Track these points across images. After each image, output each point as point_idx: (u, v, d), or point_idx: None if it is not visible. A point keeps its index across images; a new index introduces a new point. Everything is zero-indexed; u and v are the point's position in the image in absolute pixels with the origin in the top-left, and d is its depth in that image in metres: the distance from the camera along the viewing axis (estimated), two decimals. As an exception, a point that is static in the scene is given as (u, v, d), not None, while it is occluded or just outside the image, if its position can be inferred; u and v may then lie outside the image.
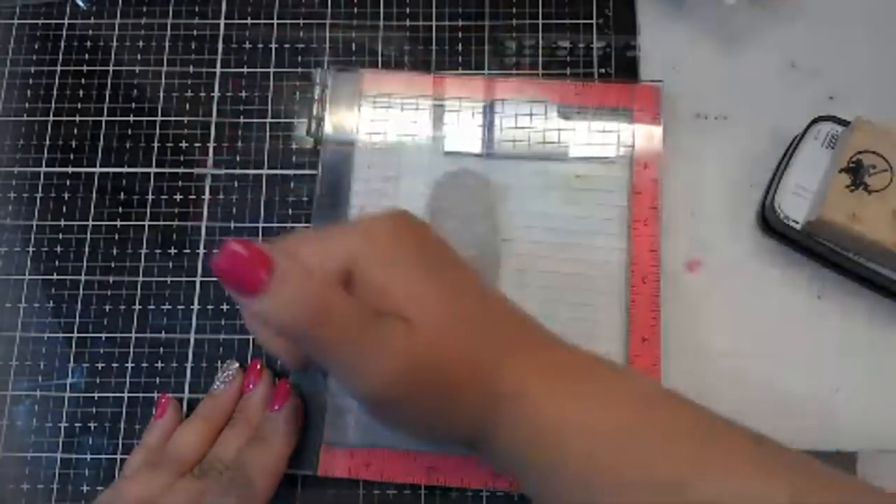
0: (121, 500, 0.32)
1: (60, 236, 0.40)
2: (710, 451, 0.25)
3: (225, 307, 0.38)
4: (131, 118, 0.41)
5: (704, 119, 0.40)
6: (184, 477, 0.33)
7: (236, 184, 0.40)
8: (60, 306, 0.39)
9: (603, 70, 0.40)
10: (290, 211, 0.39)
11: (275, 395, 0.35)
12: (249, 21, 0.42)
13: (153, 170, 0.40)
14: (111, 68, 0.42)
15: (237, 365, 0.37)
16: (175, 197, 0.40)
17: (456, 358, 0.25)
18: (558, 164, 0.38)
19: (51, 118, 0.41)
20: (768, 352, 0.37)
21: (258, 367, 0.36)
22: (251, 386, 0.36)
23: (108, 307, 0.39)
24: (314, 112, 0.39)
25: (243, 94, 0.41)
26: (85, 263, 0.39)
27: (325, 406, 0.36)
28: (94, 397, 0.38)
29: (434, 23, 0.42)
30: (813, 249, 0.36)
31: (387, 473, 0.35)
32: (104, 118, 0.41)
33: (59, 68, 0.42)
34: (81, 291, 0.39)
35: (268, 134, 0.41)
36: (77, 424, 0.37)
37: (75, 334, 0.38)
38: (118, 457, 0.37)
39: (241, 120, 0.41)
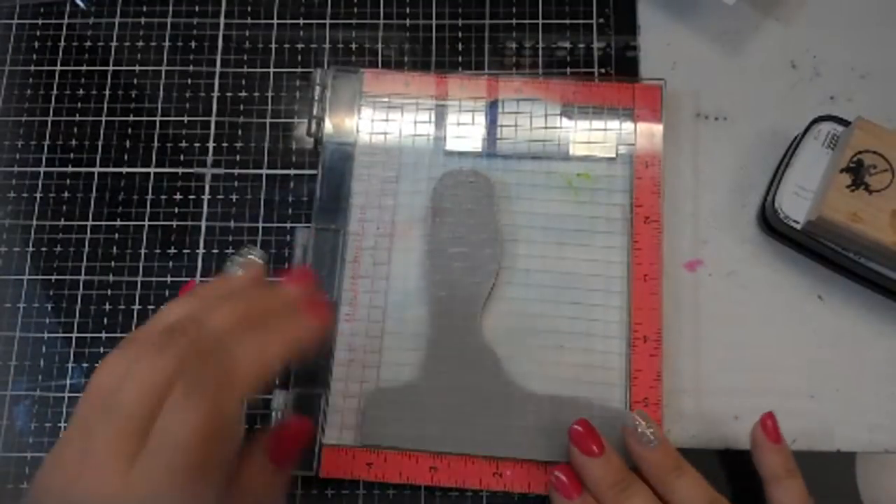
0: (90, 396, 0.26)
1: (60, 236, 0.39)
2: None
3: (225, 307, 0.38)
4: (131, 118, 0.41)
5: (704, 119, 0.40)
6: (145, 343, 0.26)
7: (236, 183, 0.40)
8: (60, 306, 0.39)
9: (603, 70, 0.40)
10: (290, 211, 0.39)
11: (309, 303, 0.29)
12: (249, 21, 0.42)
13: (153, 169, 0.40)
14: (111, 68, 0.42)
15: (263, 252, 0.32)
16: (175, 197, 0.40)
17: None
18: (559, 163, 0.38)
19: (50, 118, 0.41)
20: (768, 352, 0.37)
21: (306, 271, 0.32)
22: (285, 280, 0.30)
23: (108, 307, 0.39)
24: (314, 112, 0.39)
25: (243, 93, 0.41)
26: (85, 263, 0.39)
27: (326, 406, 0.36)
28: (93, 397, 0.37)
29: (434, 23, 0.42)
30: (813, 249, 0.36)
31: (387, 474, 0.35)
32: (104, 118, 0.41)
33: (58, 68, 0.42)
34: (81, 291, 0.39)
35: (268, 134, 0.41)
36: (76, 425, 0.37)
37: (75, 334, 0.38)
38: (118, 457, 0.37)
39: (241, 120, 0.41)
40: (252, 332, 0.27)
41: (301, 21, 0.42)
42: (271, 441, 0.29)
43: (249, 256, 0.31)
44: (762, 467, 0.33)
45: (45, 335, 0.38)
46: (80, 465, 0.25)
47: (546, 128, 0.38)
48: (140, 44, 0.42)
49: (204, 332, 0.27)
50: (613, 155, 0.38)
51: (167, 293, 0.39)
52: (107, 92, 0.41)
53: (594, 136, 0.38)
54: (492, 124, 0.38)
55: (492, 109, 0.38)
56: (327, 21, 0.42)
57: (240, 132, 0.41)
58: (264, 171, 0.40)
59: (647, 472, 0.32)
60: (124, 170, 0.40)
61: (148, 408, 0.25)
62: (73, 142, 0.41)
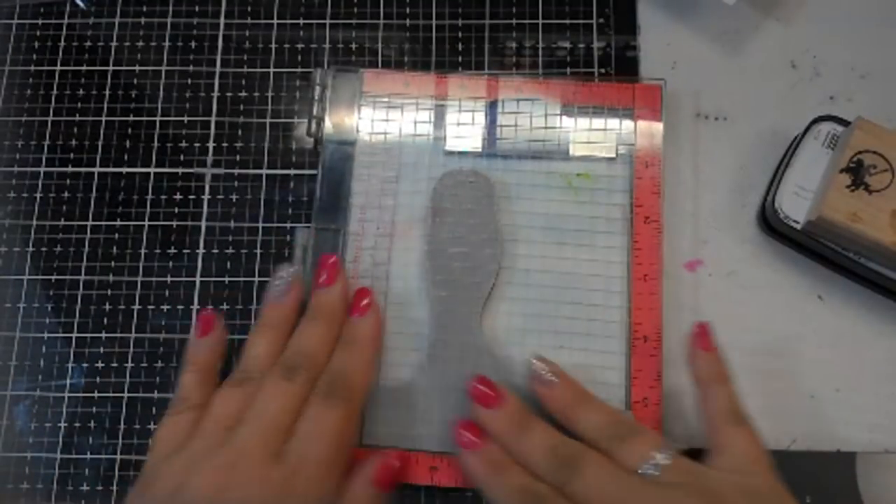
0: (211, 422, 0.30)
1: (60, 236, 0.39)
2: None
3: (224, 307, 0.38)
4: (131, 118, 0.41)
5: (704, 119, 0.40)
6: (268, 377, 0.31)
7: (236, 183, 0.40)
8: (60, 306, 0.39)
9: (603, 70, 0.40)
10: (290, 211, 0.39)
11: (356, 302, 0.34)
12: (249, 21, 0.42)
13: (153, 169, 0.40)
14: (111, 68, 0.42)
15: (294, 268, 0.35)
16: (175, 197, 0.40)
17: None
18: (559, 162, 0.38)
19: (50, 118, 0.41)
20: (768, 352, 0.37)
21: (332, 260, 0.35)
22: (323, 280, 0.34)
23: (107, 307, 0.39)
24: (314, 112, 0.39)
25: (243, 93, 0.41)
26: (84, 263, 0.39)
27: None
28: (93, 397, 0.37)
29: (434, 23, 0.42)
30: (813, 249, 0.36)
31: (387, 473, 0.35)
32: (104, 118, 0.41)
33: (58, 68, 0.42)
34: (81, 291, 0.39)
35: (268, 134, 0.41)
36: (77, 424, 0.37)
37: (75, 334, 0.38)
38: (118, 457, 0.37)
39: (241, 120, 0.41)
40: (351, 351, 0.33)
41: (301, 21, 0.42)
42: (377, 468, 0.32)
43: (285, 277, 0.35)
44: (694, 374, 0.34)
45: (45, 335, 0.38)
46: (228, 470, 0.28)
47: (546, 128, 0.38)
48: (140, 44, 0.42)
49: (316, 362, 0.32)
50: (613, 155, 0.38)
51: (167, 293, 0.39)
52: (107, 92, 0.41)
53: (594, 136, 0.38)
54: (492, 124, 0.38)
55: (492, 109, 0.38)
56: (327, 21, 0.42)
57: (240, 132, 0.41)
58: (264, 171, 0.40)
59: (553, 411, 0.33)
60: (124, 170, 0.40)
61: (287, 418, 0.30)
62: (73, 142, 0.41)
